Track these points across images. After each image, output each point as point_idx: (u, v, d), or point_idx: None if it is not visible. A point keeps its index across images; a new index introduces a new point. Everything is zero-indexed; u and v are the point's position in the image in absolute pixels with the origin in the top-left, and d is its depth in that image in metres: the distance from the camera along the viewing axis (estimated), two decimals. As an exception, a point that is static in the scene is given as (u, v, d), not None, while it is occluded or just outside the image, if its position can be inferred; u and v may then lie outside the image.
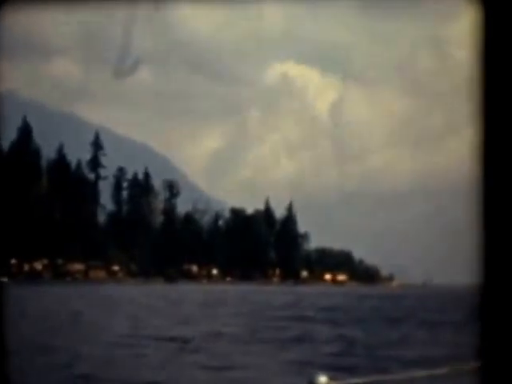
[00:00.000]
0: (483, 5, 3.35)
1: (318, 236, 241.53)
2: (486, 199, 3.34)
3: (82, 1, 4.55)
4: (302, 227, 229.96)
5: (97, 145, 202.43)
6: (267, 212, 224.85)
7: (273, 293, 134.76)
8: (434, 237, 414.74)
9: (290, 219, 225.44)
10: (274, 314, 63.22)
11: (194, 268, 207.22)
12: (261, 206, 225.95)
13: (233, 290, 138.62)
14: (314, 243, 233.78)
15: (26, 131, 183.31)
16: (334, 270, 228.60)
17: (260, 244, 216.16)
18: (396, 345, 39.09)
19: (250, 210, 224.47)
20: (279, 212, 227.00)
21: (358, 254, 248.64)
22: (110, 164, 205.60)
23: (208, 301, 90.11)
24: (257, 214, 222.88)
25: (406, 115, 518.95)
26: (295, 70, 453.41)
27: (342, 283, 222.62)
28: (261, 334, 43.36)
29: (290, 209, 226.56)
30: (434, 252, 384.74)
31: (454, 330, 48.75)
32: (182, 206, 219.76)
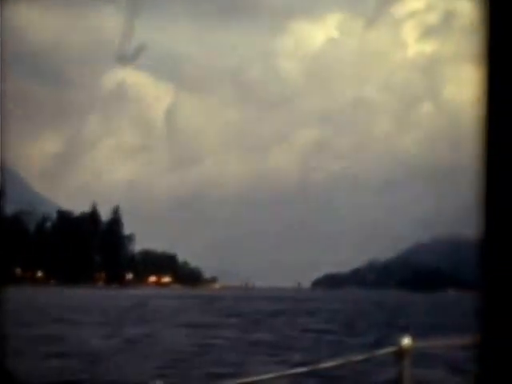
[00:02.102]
0: (488, 4, 3.30)
1: (149, 239, 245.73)
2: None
3: None
4: (133, 230, 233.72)
5: None
6: (94, 215, 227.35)
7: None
8: (259, 242, 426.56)
9: (116, 222, 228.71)
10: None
11: (18, 271, 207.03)
12: (98, 209, 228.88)
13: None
14: (147, 246, 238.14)
15: None
16: (159, 272, 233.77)
17: (86, 246, 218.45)
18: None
19: (78, 213, 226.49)
20: (110, 215, 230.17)
21: (184, 256, 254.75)
22: None
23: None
24: (83, 217, 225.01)
25: (237, 123, 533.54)
26: (133, 77, 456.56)
27: (166, 285, 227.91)
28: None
29: (116, 212, 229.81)
30: (259, 256, 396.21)
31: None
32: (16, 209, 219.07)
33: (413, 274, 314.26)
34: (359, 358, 7.38)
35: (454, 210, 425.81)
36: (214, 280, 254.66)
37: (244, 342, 44.09)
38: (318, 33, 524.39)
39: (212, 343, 43.51)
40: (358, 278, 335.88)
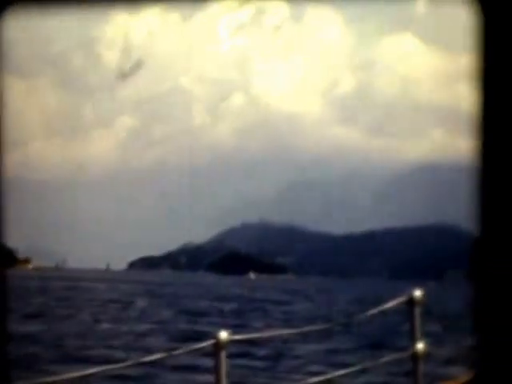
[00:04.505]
0: (482, 7, 3.22)
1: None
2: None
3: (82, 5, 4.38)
4: None
5: None
6: None
7: None
8: (76, 224, 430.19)
9: None
10: None
11: None
12: None
13: None
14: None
15: None
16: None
17: None
18: None
19: None
20: None
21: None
22: None
23: None
24: None
25: (60, 108, 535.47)
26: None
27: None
28: None
29: None
30: (74, 238, 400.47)
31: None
32: None
33: (223, 258, 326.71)
34: (180, 351, 7.56)
35: (263, 197, 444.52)
36: (27, 261, 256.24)
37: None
38: (138, 24, 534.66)
39: None
40: (172, 260, 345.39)
